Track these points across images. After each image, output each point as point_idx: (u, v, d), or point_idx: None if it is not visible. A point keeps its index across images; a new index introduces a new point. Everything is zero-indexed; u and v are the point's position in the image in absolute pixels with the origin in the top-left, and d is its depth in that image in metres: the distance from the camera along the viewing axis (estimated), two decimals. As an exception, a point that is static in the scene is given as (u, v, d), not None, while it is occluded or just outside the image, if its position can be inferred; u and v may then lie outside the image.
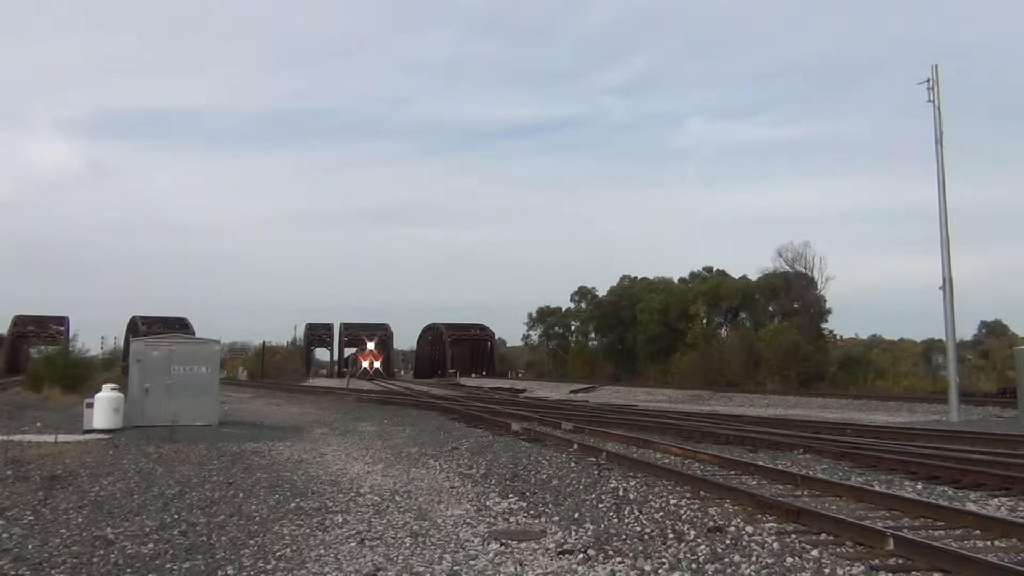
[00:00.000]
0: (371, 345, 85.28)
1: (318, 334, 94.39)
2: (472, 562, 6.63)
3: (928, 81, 24.96)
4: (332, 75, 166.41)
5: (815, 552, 6.67)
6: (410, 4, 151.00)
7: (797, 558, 6.50)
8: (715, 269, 64.56)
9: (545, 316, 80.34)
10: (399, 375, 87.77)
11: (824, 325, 51.42)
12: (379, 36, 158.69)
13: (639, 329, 61.99)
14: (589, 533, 7.64)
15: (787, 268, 51.68)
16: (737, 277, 59.59)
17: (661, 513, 8.52)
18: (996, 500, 9.34)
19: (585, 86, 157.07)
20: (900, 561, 6.38)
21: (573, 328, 78.43)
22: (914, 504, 8.56)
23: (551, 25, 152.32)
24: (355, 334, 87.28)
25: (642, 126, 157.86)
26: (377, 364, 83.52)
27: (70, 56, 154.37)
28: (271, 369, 79.61)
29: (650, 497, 9.44)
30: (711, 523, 7.89)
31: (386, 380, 70.97)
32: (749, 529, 7.59)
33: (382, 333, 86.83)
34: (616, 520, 8.24)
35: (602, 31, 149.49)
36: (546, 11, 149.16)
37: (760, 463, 11.96)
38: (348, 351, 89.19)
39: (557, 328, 79.44)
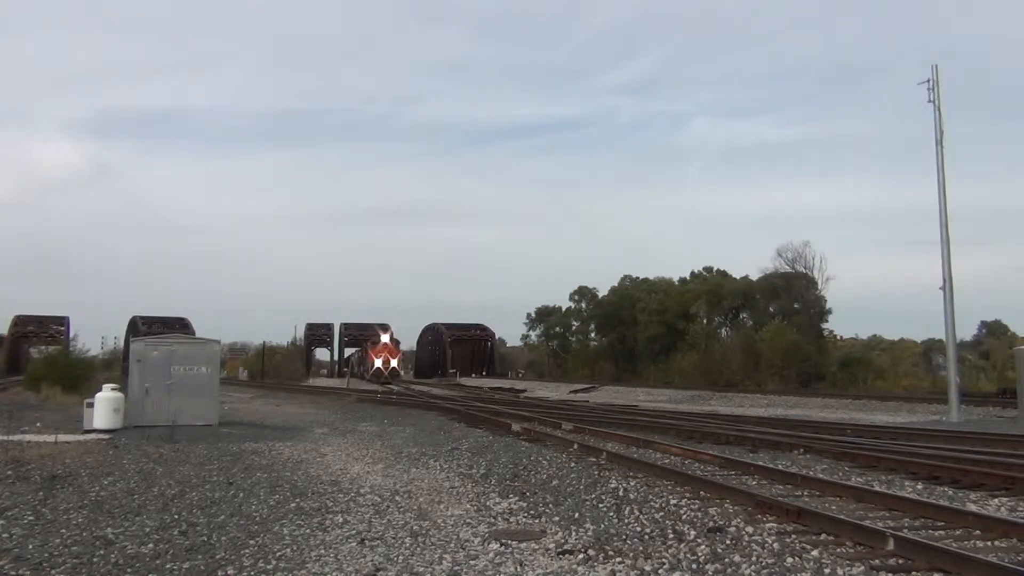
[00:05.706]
0: (385, 338, 68.38)
1: (318, 334, 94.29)
2: (472, 562, 6.63)
3: (928, 81, 24.99)
4: (334, 75, 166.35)
5: (815, 552, 6.68)
6: (414, 4, 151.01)
7: (797, 558, 6.51)
8: (716, 269, 64.69)
9: (545, 316, 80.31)
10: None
11: (824, 325, 51.46)
12: (382, 36, 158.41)
13: (639, 329, 61.96)
14: (589, 533, 7.64)
15: (787, 268, 51.68)
16: (738, 277, 59.65)
17: (661, 513, 8.52)
18: (996, 500, 9.35)
19: (589, 86, 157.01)
20: (900, 561, 6.39)
21: (573, 328, 78.40)
22: (914, 504, 8.56)
23: (556, 25, 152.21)
24: (355, 334, 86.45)
25: (646, 126, 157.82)
26: (394, 362, 66.97)
27: (73, 56, 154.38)
28: (271, 369, 79.49)
29: (650, 497, 9.44)
30: (711, 523, 7.89)
31: (403, 383, 61.87)
32: (749, 529, 7.59)
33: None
34: (616, 520, 8.24)
35: (607, 31, 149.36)
36: (551, 11, 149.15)
37: (760, 463, 11.96)
38: (348, 351, 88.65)
39: (557, 328, 79.39)
